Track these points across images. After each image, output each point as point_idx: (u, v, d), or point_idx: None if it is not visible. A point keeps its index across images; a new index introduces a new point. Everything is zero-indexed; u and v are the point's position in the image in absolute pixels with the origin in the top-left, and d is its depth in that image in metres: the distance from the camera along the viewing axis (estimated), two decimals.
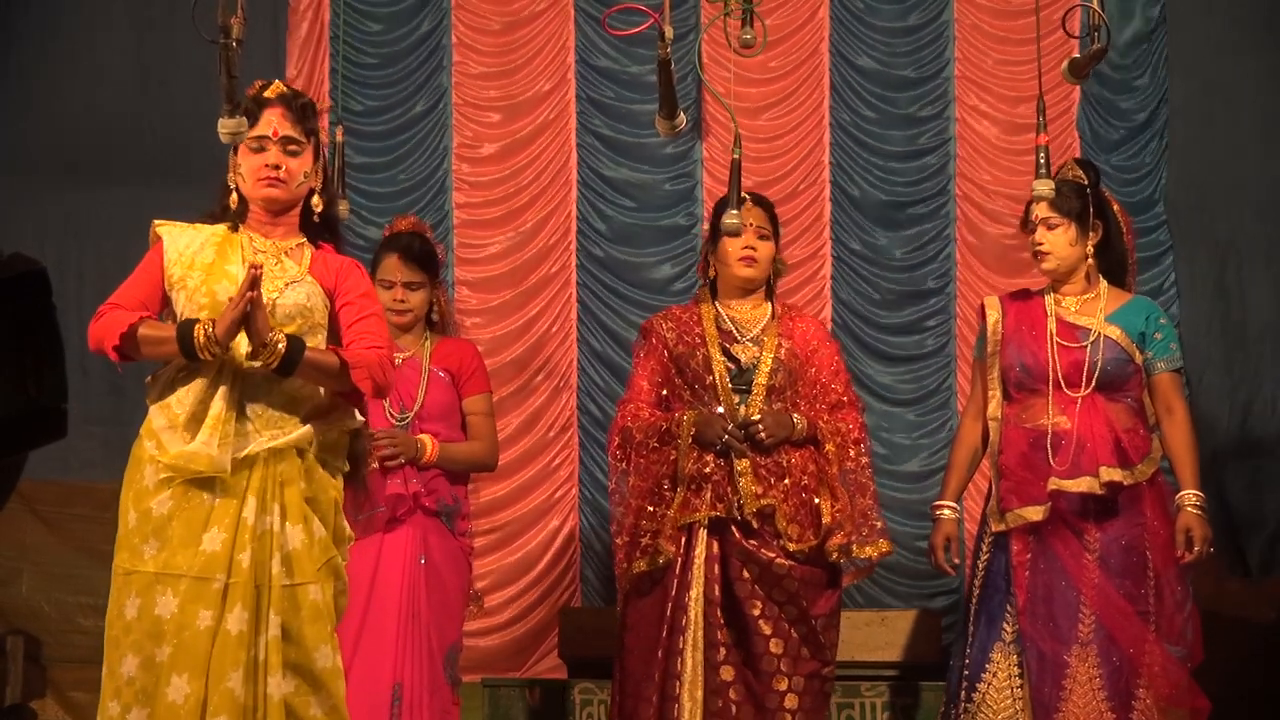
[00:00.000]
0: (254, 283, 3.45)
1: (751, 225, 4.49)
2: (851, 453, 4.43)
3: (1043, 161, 4.05)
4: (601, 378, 6.37)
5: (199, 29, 3.49)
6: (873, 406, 6.39)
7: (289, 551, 3.55)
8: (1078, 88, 6.22)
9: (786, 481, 4.34)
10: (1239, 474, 6.29)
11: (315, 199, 3.72)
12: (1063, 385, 4.42)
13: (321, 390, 3.64)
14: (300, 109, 3.69)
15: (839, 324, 6.43)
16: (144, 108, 6.52)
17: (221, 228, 3.69)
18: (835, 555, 4.33)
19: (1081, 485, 4.34)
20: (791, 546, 4.28)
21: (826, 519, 4.31)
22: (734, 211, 4.14)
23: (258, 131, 3.63)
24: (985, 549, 4.50)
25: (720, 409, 4.40)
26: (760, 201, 4.61)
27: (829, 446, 4.38)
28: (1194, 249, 6.40)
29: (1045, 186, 4.15)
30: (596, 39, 6.50)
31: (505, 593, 6.21)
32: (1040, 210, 4.49)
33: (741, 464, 4.32)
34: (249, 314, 3.45)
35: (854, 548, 4.35)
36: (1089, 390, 4.42)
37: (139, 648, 3.46)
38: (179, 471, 3.49)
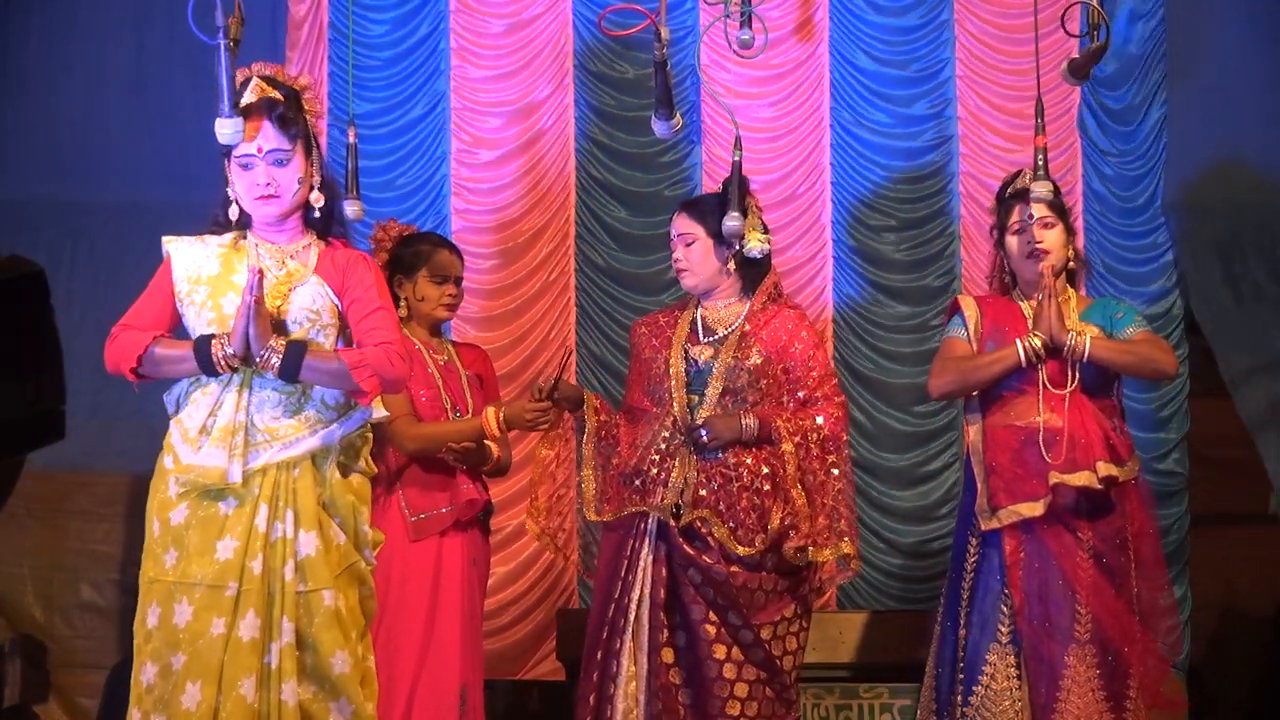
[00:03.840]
0: (254, 286, 3.46)
1: (676, 235, 4.47)
2: (815, 451, 4.28)
3: (1041, 163, 4.07)
4: (600, 382, 6.34)
5: (197, 29, 3.50)
6: (876, 406, 6.37)
7: (302, 558, 3.54)
8: (1078, 88, 6.21)
9: (734, 485, 4.26)
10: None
11: (315, 194, 3.67)
12: (1048, 384, 4.43)
13: (338, 393, 3.62)
14: (280, 119, 3.60)
15: (841, 323, 6.41)
16: (143, 108, 6.51)
17: (229, 237, 3.67)
18: (794, 556, 4.23)
19: (1080, 479, 4.35)
20: (740, 551, 4.21)
21: (773, 524, 4.21)
22: (734, 214, 4.15)
23: (240, 150, 3.58)
24: (973, 549, 4.48)
25: (675, 410, 4.35)
26: (687, 206, 4.53)
27: (786, 446, 4.26)
28: (1194, 250, 6.38)
29: (1044, 187, 4.18)
30: (595, 44, 6.48)
31: (503, 595, 6.19)
32: (1037, 209, 4.51)
33: (681, 468, 4.29)
34: (251, 319, 3.46)
35: (810, 549, 4.22)
36: (1074, 386, 4.43)
37: (158, 655, 3.48)
38: (190, 484, 3.51)
